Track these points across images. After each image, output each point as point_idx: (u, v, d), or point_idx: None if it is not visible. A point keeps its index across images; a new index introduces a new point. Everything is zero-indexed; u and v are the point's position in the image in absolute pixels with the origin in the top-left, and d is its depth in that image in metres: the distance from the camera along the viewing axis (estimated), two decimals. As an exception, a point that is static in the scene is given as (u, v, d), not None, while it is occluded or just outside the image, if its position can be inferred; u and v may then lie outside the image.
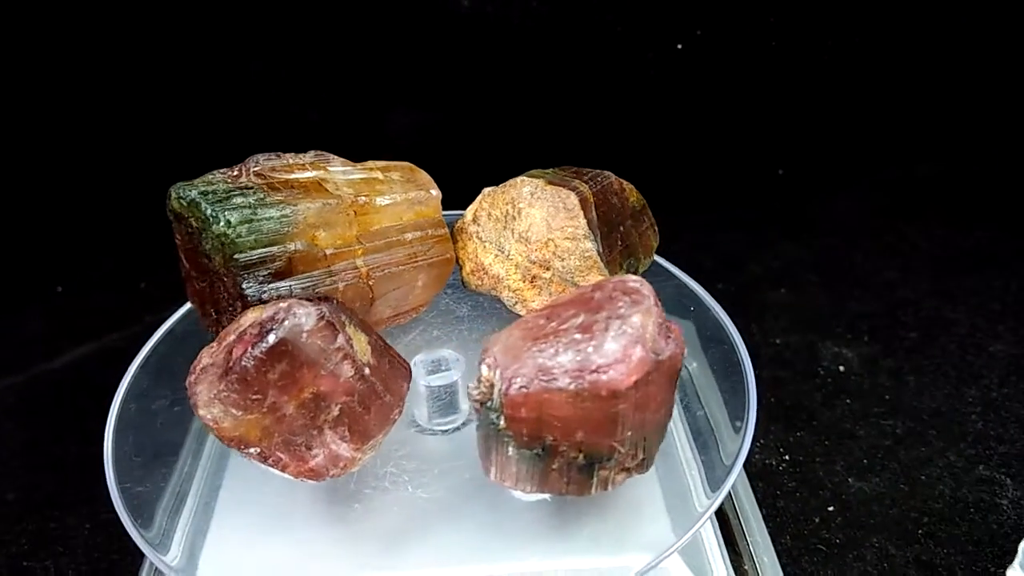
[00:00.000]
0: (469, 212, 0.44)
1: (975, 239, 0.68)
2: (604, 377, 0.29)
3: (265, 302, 0.34)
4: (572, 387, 0.30)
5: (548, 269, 0.41)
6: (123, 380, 0.42)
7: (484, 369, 0.31)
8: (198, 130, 0.70)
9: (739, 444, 0.36)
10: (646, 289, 0.32)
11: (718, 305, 0.44)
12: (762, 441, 0.50)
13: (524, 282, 0.42)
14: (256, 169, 0.37)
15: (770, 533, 0.40)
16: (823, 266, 0.66)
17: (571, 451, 0.31)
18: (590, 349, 0.30)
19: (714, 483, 0.38)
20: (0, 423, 0.53)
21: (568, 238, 0.40)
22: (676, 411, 0.43)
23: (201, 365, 0.32)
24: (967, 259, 0.65)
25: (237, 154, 0.39)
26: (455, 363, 0.40)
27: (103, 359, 0.59)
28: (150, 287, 0.68)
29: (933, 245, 0.67)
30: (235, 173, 0.37)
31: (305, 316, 0.31)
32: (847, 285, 0.63)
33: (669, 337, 0.31)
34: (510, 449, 0.32)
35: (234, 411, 0.31)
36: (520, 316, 0.42)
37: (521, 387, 0.30)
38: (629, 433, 0.31)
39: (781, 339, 0.58)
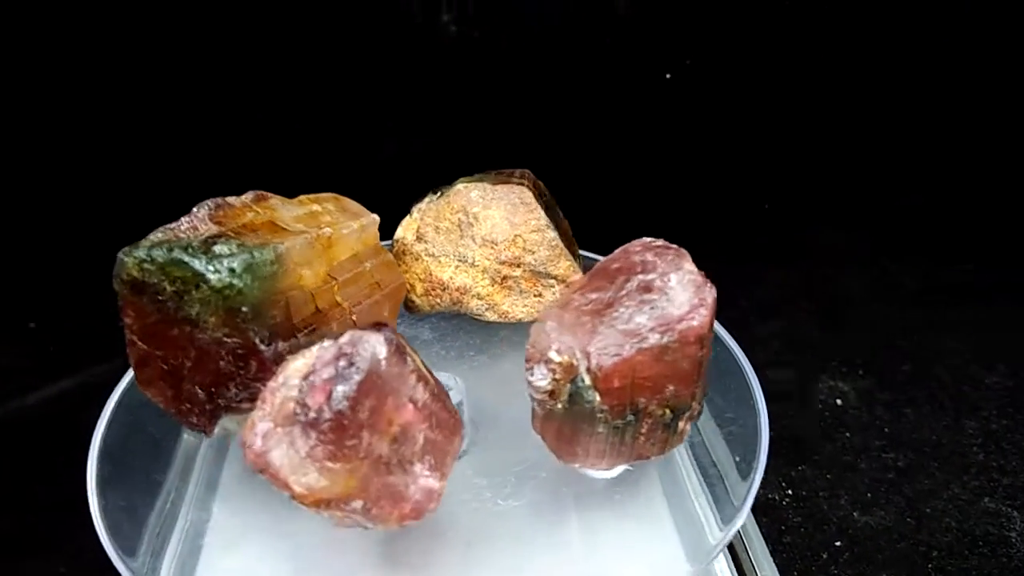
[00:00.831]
0: (408, 232, 0.42)
1: (957, 273, 0.68)
2: (691, 324, 0.31)
3: (280, 355, 0.32)
4: (663, 341, 0.31)
5: (519, 266, 0.41)
6: (103, 414, 0.40)
7: (554, 355, 0.31)
8: (166, 165, 0.68)
9: (751, 478, 0.35)
10: (664, 242, 0.34)
11: (729, 336, 0.44)
12: (765, 476, 0.48)
13: (493, 286, 0.42)
14: (209, 216, 0.34)
15: (778, 568, 0.39)
16: (812, 299, 0.66)
17: (659, 409, 0.32)
18: (664, 303, 0.31)
19: (725, 518, 0.37)
20: (-33, 462, 0.51)
21: (534, 231, 0.41)
22: (684, 448, 0.42)
23: (261, 431, 0.28)
24: (951, 292, 0.66)
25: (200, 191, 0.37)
26: (455, 384, 0.39)
27: (79, 396, 0.56)
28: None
29: (917, 279, 0.68)
30: (189, 225, 0.33)
31: (377, 344, 0.28)
32: (837, 318, 0.63)
33: (707, 280, 0.33)
34: (600, 426, 0.32)
35: (331, 465, 0.27)
36: (490, 323, 0.43)
37: (614, 354, 0.31)
38: (702, 378, 0.33)
39: (776, 373, 0.57)
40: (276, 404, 0.28)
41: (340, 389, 0.28)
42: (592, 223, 0.49)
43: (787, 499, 0.47)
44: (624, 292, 0.33)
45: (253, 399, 0.30)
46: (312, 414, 0.27)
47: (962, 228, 0.74)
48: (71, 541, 0.45)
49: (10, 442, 0.52)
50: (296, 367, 0.28)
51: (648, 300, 0.32)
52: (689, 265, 0.33)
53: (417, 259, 0.42)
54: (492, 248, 0.41)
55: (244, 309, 0.31)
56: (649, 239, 0.34)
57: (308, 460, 0.27)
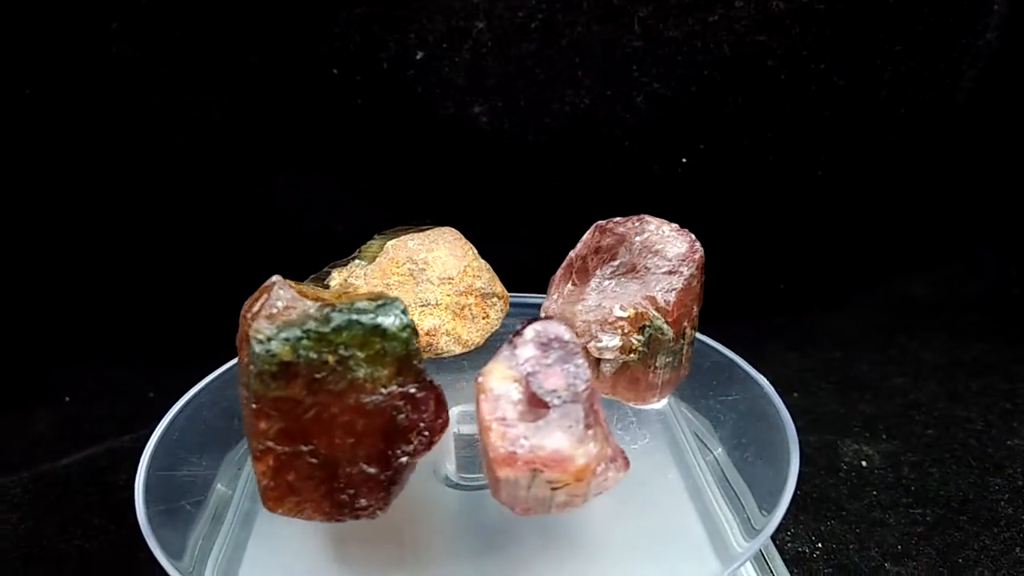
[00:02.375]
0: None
1: (976, 350, 0.69)
2: (700, 252, 0.41)
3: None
4: (691, 271, 0.40)
5: (471, 294, 0.45)
6: (148, 445, 0.42)
7: (619, 311, 0.39)
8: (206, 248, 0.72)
9: (783, 486, 0.36)
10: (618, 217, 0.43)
11: (762, 377, 0.46)
12: (792, 530, 0.49)
13: (455, 319, 0.44)
14: (287, 303, 0.33)
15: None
16: (831, 374, 0.67)
17: (690, 329, 0.41)
18: (674, 247, 0.41)
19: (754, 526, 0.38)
20: (3, 515, 0.51)
21: (474, 259, 0.46)
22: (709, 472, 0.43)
23: (515, 436, 0.30)
24: (971, 367, 0.66)
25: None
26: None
27: (111, 459, 0.58)
28: (159, 397, 0.67)
29: (936, 355, 0.69)
30: (284, 307, 0.32)
31: (560, 327, 0.32)
32: (857, 391, 0.64)
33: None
34: (666, 356, 0.40)
35: (594, 432, 0.31)
36: (454, 355, 0.45)
37: (670, 290, 0.40)
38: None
39: (799, 438, 0.57)
40: (506, 412, 0.31)
41: (573, 366, 0.31)
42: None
43: (817, 551, 0.47)
44: (637, 252, 0.41)
45: (431, 444, 0.32)
46: (566, 393, 0.31)
47: (980, 308, 0.75)
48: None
49: (46, 499, 0.53)
50: (498, 377, 0.31)
51: (659, 250, 0.41)
52: (658, 220, 0.42)
53: None
54: (450, 284, 0.44)
55: (416, 347, 0.32)
56: (602, 221, 0.43)
57: (586, 431, 0.31)
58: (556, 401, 0.31)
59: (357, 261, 0.45)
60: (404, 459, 0.33)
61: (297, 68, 0.65)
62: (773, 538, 0.45)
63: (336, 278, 0.44)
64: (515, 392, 0.31)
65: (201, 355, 0.52)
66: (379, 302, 0.32)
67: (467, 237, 0.48)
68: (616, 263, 0.42)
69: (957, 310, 0.76)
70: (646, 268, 0.41)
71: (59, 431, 0.62)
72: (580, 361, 0.32)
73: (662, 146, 0.69)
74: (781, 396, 0.45)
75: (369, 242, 0.47)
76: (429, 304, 0.44)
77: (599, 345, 0.39)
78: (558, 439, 0.30)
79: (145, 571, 0.46)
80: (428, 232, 0.46)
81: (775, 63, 0.66)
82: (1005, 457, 0.54)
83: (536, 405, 0.31)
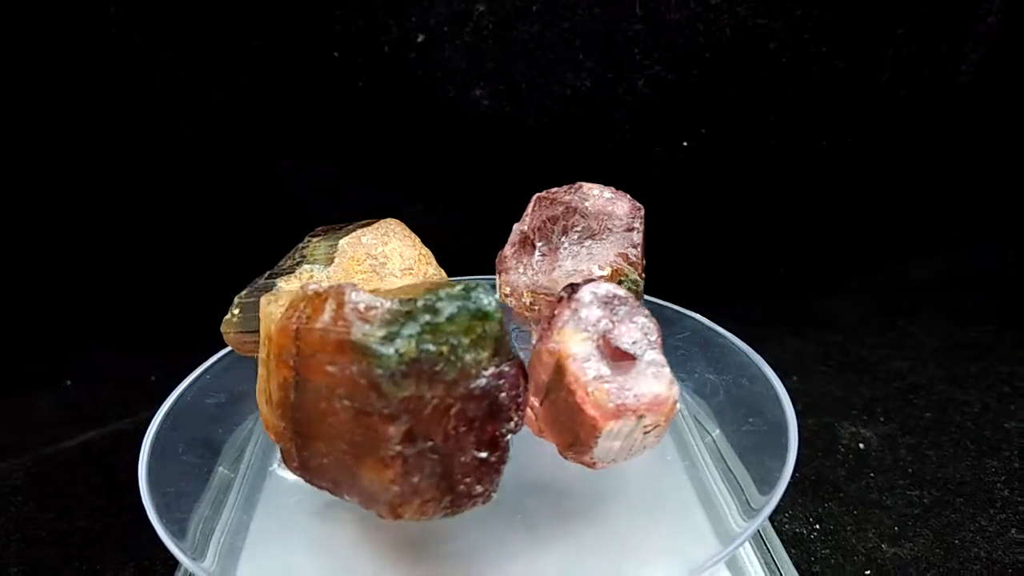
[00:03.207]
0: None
1: (975, 334, 0.70)
2: (641, 211, 0.44)
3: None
4: (641, 227, 0.43)
5: (424, 275, 0.45)
6: (151, 426, 0.42)
7: (597, 270, 0.41)
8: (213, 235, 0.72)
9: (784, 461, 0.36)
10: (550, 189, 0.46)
11: (756, 355, 0.46)
12: (790, 512, 0.49)
13: None
14: (361, 310, 0.32)
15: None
16: (830, 358, 0.67)
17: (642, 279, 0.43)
18: (618, 212, 0.43)
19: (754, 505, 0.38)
20: (7, 497, 0.52)
21: (422, 247, 0.46)
22: (708, 455, 0.44)
23: (616, 390, 0.33)
24: (970, 350, 0.67)
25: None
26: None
27: (113, 442, 0.58)
28: (160, 381, 0.67)
29: (935, 339, 0.69)
30: (368, 309, 0.31)
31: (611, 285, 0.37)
32: (856, 373, 0.64)
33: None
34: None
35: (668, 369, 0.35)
36: None
37: (635, 245, 0.42)
38: None
39: (797, 422, 0.58)
40: (601, 370, 0.34)
41: (642, 317, 0.36)
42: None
43: (815, 533, 0.47)
44: (593, 216, 0.43)
45: (523, 418, 0.33)
46: (644, 342, 0.35)
47: (979, 291, 0.75)
48: (110, 569, 0.46)
49: (49, 482, 0.54)
50: (576, 342, 0.34)
51: (610, 212, 0.43)
52: (590, 185, 0.44)
53: None
54: (411, 274, 0.44)
55: (504, 322, 0.32)
56: (541, 192, 0.45)
57: (667, 369, 0.35)
58: (639, 351, 0.35)
59: (308, 267, 0.43)
60: (508, 437, 0.33)
61: (298, 51, 0.65)
62: (771, 519, 0.45)
63: (287, 286, 0.42)
64: (598, 351, 0.34)
65: (203, 339, 0.53)
66: (466, 287, 0.32)
67: (467, 220, 0.48)
68: (579, 228, 0.43)
69: (956, 294, 0.76)
70: (607, 229, 0.43)
71: (61, 415, 0.62)
72: (644, 311, 0.36)
73: (663, 129, 0.69)
74: (780, 379, 0.45)
75: (308, 244, 0.44)
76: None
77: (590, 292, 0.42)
78: (654, 384, 0.34)
79: (148, 552, 0.46)
80: (375, 226, 0.45)
81: (777, 46, 0.66)
82: (1002, 440, 0.54)
83: (622, 359, 0.34)
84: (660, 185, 0.71)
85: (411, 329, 0.30)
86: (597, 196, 0.44)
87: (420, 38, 0.65)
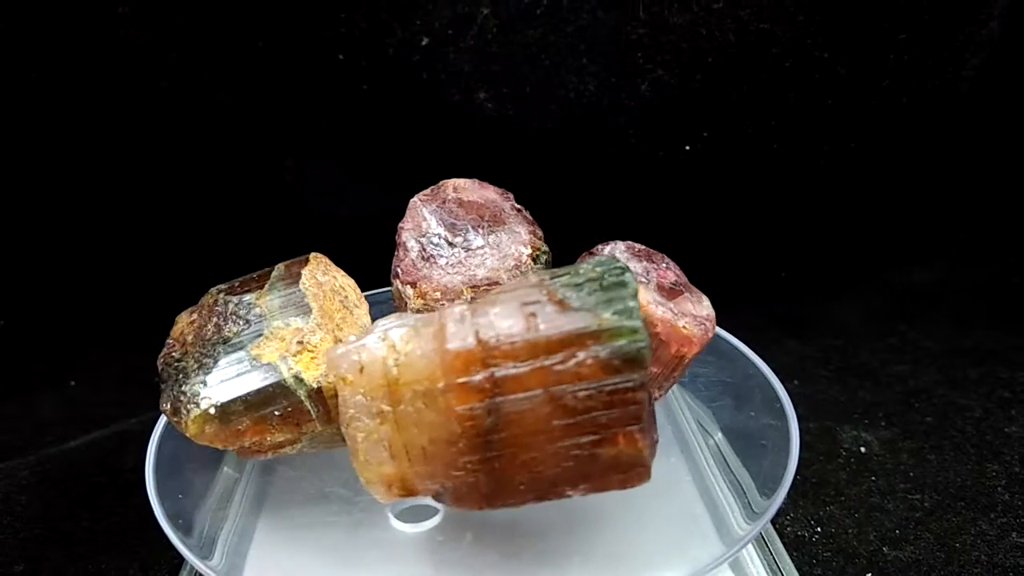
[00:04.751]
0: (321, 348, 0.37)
1: (976, 338, 0.70)
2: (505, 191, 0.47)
3: None
4: (516, 203, 0.46)
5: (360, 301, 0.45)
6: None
7: (524, 249, 0.43)
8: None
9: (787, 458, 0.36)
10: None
11: (762, 362, 0.46)
12: (792, 514, 0.49)
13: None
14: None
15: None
16: (831, 362, 0.67)
17: None
18: (494, 196, 0.46)
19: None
20: (12, 497, 0.52)
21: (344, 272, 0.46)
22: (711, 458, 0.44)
23: (673, 313, 0.39)
24: (971, 355, 0.67)
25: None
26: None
27: (118, 442, 0.58)
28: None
29: (936, 343, 0.69)
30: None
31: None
32: (858, 378, 0.64)
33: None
34: None
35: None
36: None
37: (530, 220, 0.45)
38: None
39: (798, 425, 0.58)
40: (668, 311, 0.39)
41: (664, 261, 0.43)
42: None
43: (816, 535, 0.47)
44: (486, 206, 0.45)
45: None
46: (679, 279, 0.42)
47: (980, 296, 0.76)
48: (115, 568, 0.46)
49: (54, 482, 0.54)
50: (641, 292, 0.38)
51: (490, 198, 0.46)
52: (454, 181, 0.47)
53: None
54: (360, 300, 0.45)
55: None
56: (415, 198, 0.46)
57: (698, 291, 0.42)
58: (681, 287, 0.41)
59: (280, 323, 0.38)
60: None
61: (303, 53, 0.65)
62: (773, 522, 0.46)
63: (272, 351, 0.37)
64: (658, 294, 0.40)
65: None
66: (592, 262, 0.33)
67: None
68: (484, 220, 0.45)
69: (957, 298, 0.76)
70: (504, 212, 0.45)
71: (66, 415, 0.62)
72: (652, 252, 0.43)
73: (666, 133, 0.69)
74: (782, 383, 0.45)
75: (248, 304, 0.39)
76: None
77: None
78: (705, 306, 0.41)
79: (153, 552, 0.47)
80: (313, 263, 0.43)
81: (779, 51, 0.66)
82: (1003, 444, 0.55)
83: (675, 296, 0.40)
84: (663, 189, 0.71)
85: (618, 297, 0.31)
86: (472, 189, 0.46)
87: (424, 41, 0.65)
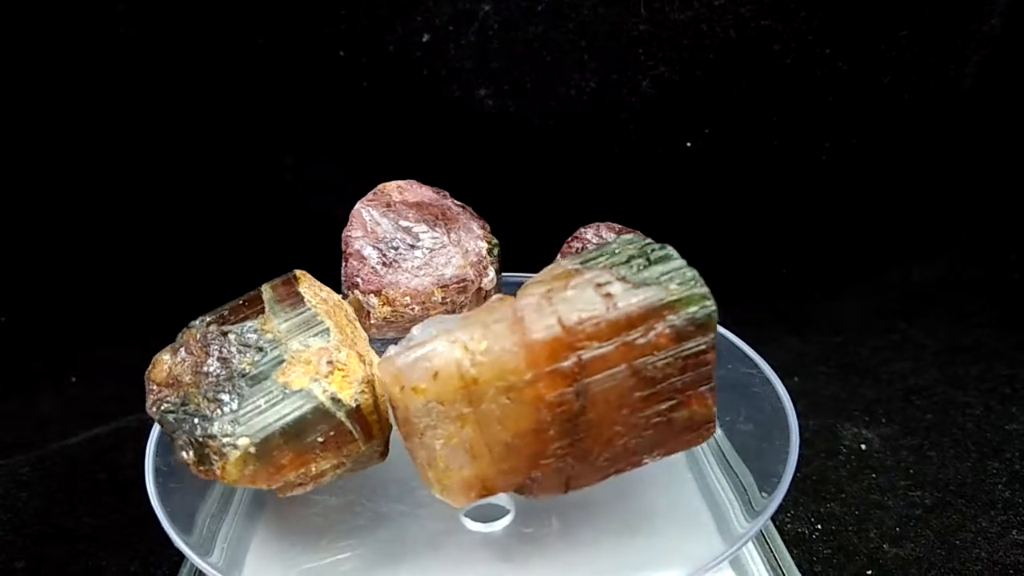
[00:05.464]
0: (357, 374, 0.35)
1: (976, 336, 0.70)
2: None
3: None
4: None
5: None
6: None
7: (480, 244, 0.45)
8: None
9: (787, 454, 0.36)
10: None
11: (757, 356, 0.46)
12: (792, 512, 0.49)
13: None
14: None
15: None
16: (832, 359, 0.67)
17: None
18: (432, 195, 0.47)
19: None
20: (13, 494, 0.52)
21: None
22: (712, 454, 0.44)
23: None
24: (971, 352, 0.67)
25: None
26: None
27: (118, 438, 0.58)
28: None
29: (937, 341, 0.69)
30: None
31: None
32: (858, 375, 0.64)
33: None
34: None
35: None
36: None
37: (475, 215, 0.47)
38: None
39: (798, 422, 0.58)
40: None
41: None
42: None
43: (816, 532, 0.47)
44: (433, 205, 0.46)
45: None
46: None
47: (980, 293, 0.76)
48: (101, 572, 0.46)
49: (54, 478, 0.54)
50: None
51: (429, 196, 0.47)
52: (393, 183, 0.47)
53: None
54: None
55: None
56: (360, 206, 0.45)
57: None
58: None
59: (300, 346, 0.36)
60: None
61: (303, 50, 0.65)
62: (773, 519, 0.46)
63: (307, 369, 0.35)
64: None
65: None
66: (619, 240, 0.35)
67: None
68: (434, 220, 0.45)
69: (958, 296, 0.76)
70: (451, 209, 0.46)
71: (66, 412, 0.62)
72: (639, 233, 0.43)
73: (667, 130, 0.69)
74: (782, 379, 0.45)
75: (251, 334, 0.36)
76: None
77: (487, 279, 0.45)
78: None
79: (153, 548, 0.47)
80: (307, 279, 0.41)
81: (780, 48, 0.66)
82: (1003, 441, 0.55)
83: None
84: (664, 186, 0.71)
85: (674, 268, 0.33)
86: (412, 189, 0.46)
87: (425, 38, 0.65)
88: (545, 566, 0.37)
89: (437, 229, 0.45)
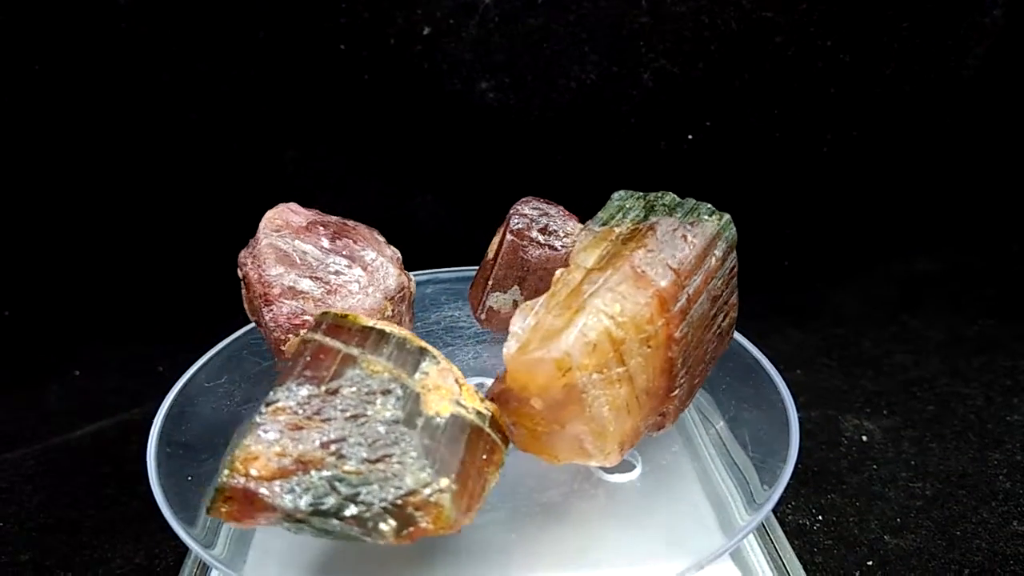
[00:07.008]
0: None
1: (978, 327, 0.70)
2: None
3: None
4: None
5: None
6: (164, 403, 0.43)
7: (389, 250, 0.46)
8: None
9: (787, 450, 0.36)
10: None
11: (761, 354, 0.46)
12: (793, 503, 0.49)
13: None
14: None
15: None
16: (834, 351, 0.67)
17: None
18: (301, 214, 0.45)
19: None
20: (18, 487, 0.52)
21: None
22: (713, 447, 0.44)
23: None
24: (973, 343, 0.67)
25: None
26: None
27: (121, 432, 0.59)
28: (167, 371, 0.68)
29: (938, 332, 0.69)
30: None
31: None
32: (860, 367, 0.64)
33: None
34: None
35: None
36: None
37: (377, 235, 0.47)
38: None
39: (800, 414, 0.58)
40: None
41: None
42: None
43: (818, 524, 0.48)
44: (341, 227, 0.45)
45: None
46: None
47: (982, 285, 0.76)
48: (106, 563, 0.47)
49: (59, 471, 0.54)
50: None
51: (331, 220, 0.45)
52: (283, 206, 0.45)
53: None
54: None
55: None
56: (264, 236, 0.44)
57: None
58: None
59: (418, 374, 0.34)
60: None
61: (304, 44, 0.65)
62: (774, 511, 0.46)
63: (442, 394, 0.34)
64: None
65: (209, 329, 0.53)
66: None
67: (472, 213, 0.48)
68: (344, 235, 0.44)
69: (959, 287, 0.76)
70: (342, 223, 0.45)
71: (70, 405, 0.63)
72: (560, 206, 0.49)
73: (668, 122, 0.69)
74: (784, 372, 0.45)
75: (373, 371, 0.33)
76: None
77: (412, 282, 0.46)
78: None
79: (157, 540, 0.47)
80: (353, 318, 0.35)
81: (782, 39, 0.66)
82: (1004, 432, 0.55)
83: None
84: (665, 178, 0.71)
85: (693, 205, 0.40)
86: (293, 212, 0.44)
87: (426, 30, 0.65)
88: (544, 558, 0.37)
89: (357, 243, 0.43)
